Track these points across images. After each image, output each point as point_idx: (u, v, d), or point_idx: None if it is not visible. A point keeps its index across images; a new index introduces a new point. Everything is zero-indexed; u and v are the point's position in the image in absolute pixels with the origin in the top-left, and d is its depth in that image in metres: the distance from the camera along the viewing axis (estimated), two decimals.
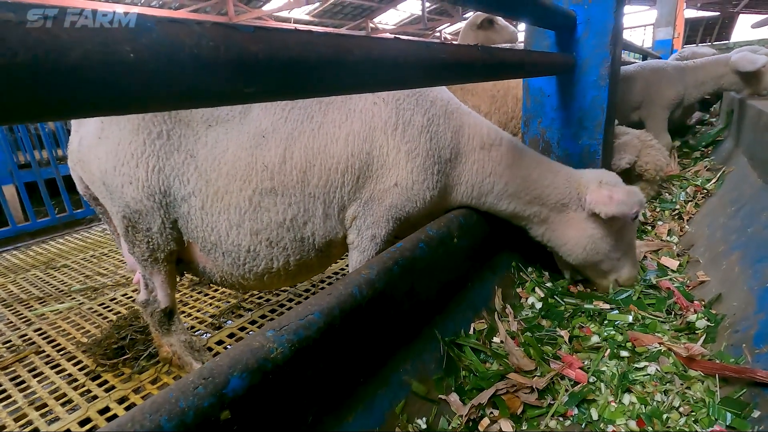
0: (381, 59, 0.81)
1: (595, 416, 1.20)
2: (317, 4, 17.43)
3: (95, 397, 1.76)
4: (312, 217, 1.52)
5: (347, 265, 2.71)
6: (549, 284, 1.86)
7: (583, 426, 1.18)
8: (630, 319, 1.56)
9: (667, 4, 9.19)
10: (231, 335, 2.17)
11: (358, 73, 0.77)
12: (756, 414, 1.06)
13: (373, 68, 0.80)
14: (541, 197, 1.67)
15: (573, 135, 2.12)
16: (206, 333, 2.20)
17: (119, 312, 2.45)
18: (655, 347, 1.41)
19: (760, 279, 1.47)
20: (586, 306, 1.69)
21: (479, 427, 1.17)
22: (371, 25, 20.38)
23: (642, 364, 1.36)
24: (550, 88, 2.14)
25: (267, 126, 1.50)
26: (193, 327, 2.26)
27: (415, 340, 1.34)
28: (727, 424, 1.08)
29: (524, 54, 1.64)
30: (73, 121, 1.63)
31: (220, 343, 2.11)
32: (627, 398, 1.24)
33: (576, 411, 1.22)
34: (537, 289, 1.81)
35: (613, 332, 1.52)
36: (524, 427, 1.19)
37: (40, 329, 2.34)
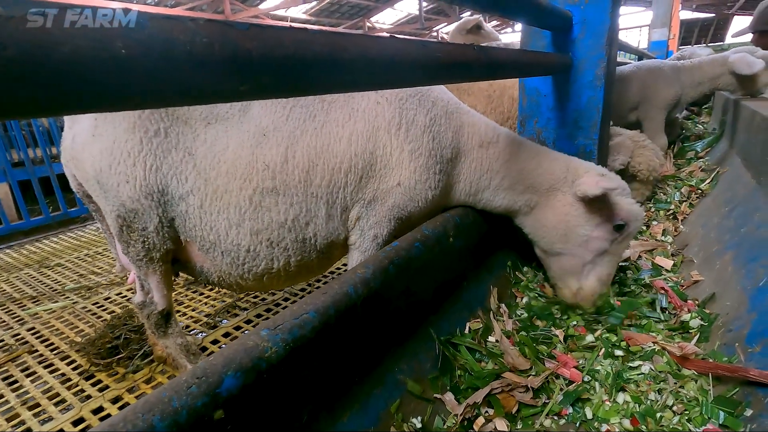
0: (377, 58, 0.81)
1: (589, 415, 1.20)
2: (314, 2, 17.40)
3: (89, 397, 1.75)
4: (314, 217, 1.51)
5: (344, 264, 2.70)
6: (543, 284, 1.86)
7: (577, 425, 1.19)
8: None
9: (662, 5, 9.24)
10: (226, 334, 2.16)
11: (353, 72, 0.76)
12: (748, 412, 1.07)
13: (368, 67, 0.80)
14: (534, 185, 1.66)
15: (569, 135, 2.13)
16: (201, 332, 2.19)
17: (113, 311, 2.43)
18: (649, 346, 1.42)
19: (753, 279, 1.49)
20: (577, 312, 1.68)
21: (474, 426, 1.17)
22: (368, 24, 20.37)
23: (636, 363, 1.37)
24: (546, 88, 2.15)
25: (268, 124, 1.48)
26: (188, 326, 2.25)
27: (411, 340, 1.34)
28: (720, 422, 1.09)
29: (520, 54, 1.64)
30: (66, 118, 1.61)
31: (215, 342, 2.10)
32: (621, 397, 1.24)
33: (570, 410, 1.22)
34: (531, 287, 1.82)
35: (607, 334, 1.53)
36: (519, 426, 1.20)
37: (33, 328, 2.32)
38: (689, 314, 1.55)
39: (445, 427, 1.17)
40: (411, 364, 1.29)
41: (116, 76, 0.41)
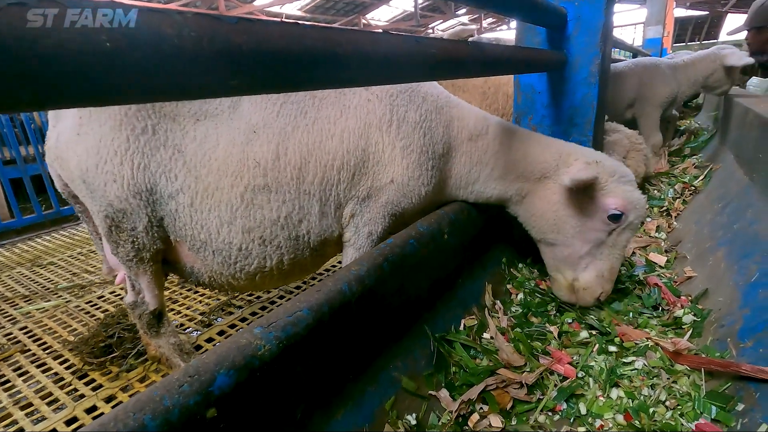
0: (370, 53, 0.81)
1: (583, 411, 1.21)
2: None
3: (82, 396, 1.74)
4: (307, 215, 1.49)
5: (338, 262, 2.70)
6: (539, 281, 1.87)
7: (571, 420, 1.19)
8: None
9: (656, 3, 9.27)
10: (221, 333, 2.15)
11: (347, 67, 0.76)
12: (740, 407, 1.08)
13: (362, 62, 0.79)
14: (524, 173, 1.64)
15: (563, 132, 2.13)
16: (196, 331, 2.18)
17: (107, 310, 2.42)
18: (643, 342, 1.43)
19: (745, 274, 1.50)
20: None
21: (469, 423, 1.18)
22: (363, 21, 20.30)
23: (630, 358, 1.37)
24: (541, 84, 2.15)
25: (258, 121, 1.47)
26: (182, 325, 2.24)
27: (405, 337, 1.34)
28: (712, 417, 1.10)
29: (515, 50, 1.64)
30: (50, 117, 1.58)
31: (209, 340, 2.09)
32: (615, 392, 1.25)
33: (565, 406, 1.23)
34: (526, 284, 1.82)
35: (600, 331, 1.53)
36: (513, 422, 1.20)
37: (25, 328, 2.30)
38: (682, 310, 1.56)
39: (440, 423, 1.17)
40: (406, 361, 1.29)
41: (101, 70, 0.41)
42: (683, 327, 1.51)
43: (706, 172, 2.86)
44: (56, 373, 1.90)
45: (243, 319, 2.27)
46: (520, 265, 1.96)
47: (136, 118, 1.42)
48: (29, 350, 2.09)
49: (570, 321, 1.60)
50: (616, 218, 1.51)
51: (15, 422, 1.63)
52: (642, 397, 1.22)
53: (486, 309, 1.63)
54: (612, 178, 1.53)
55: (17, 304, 2.58)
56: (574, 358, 1.40)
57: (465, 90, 2.87)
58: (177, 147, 1.44)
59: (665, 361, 1.33)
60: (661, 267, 1.98)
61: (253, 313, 2.33)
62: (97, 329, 2.08)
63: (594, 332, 1.53)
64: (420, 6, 19.22)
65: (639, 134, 2.87)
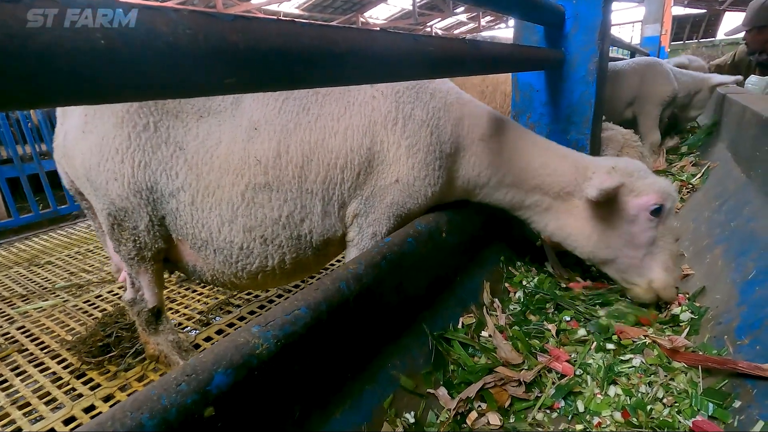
0: (367, 51, 0.80)
1: (581, 408, 1.21)
2: None
3: (80, 396, 1.74)
4: (309, 214, 1.47)
5: (337, 260, 2.69)
6: (536, 279, 1.87)
7: (569, 418, 1.20)
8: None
9: (654, 1, 9.28)
10: (219, 331, 2.15)
11: (343, 66, 0.76)
12: (737, 404, 1.08)
13: (359, 60, 0.79)
14: (542, 186, 1.58)
15: (561, 130, 2.13)
16: (194, 330, 2.17)
17: (105, 309, 2.41)
18: (641, 339, 1.43)
19: (743, 272, 1.50)
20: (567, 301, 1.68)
21: (467, 421, 1.18)
22: (362, 19, 20.26)
23: (627, 356, 1.37)
24: (539, 83, 2.15)
25: (259, 118, 1.44)
26: (180, 324, 2.23)
27: (404, 335, 1.34)
28: (710, 414, 1.10)
29: (513, 49, 1.63)
30: (58, 114, 1.59)
31: (208, 339, 2.09)
32: (612, 390, 1.25)
33: (563, 403, 1.23)
34: (524, 282, 1.82)
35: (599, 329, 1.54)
36: (512, 420, 1.20)
37: (23, 327, 2.29)
38: (680, 308, 1.57)
39: (439, 421, 1.17)
40: (404, 359, 1.29)
41: (95, 67, 0.40)
42: (680, 324, 1.51)
43: (703, 170, 2.86)
44: (54, 373, 1.90)
45: (241, 318, 2.27)
46: (519, 264, 1.96)
47: (137, 115, 1.41)
48: (27, 350, 2.09)
49: (568, 319, 1.60)
50: (657, 212, 1.49)
51: (13, 422, 1.63)
52: (639, 395, 1.22)
53: (484, 307, 1.63)
54: (633, 177, 1.51)
55: (15, 304, 2.57)
56: (572, 356, 1.40)
57: (463, 88, 2.86)
58: (178, 144, 1.43)
59: (663, 358, 1.34)
60: None
61: (252, 311, 2.33)
62: (95, 328, 2.08)
63: (591, 331, 1.53)
64: (418, 4, 19.18)
65: (633, 132, 2.89)
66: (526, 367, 1.34)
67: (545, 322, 1.58)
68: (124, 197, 1.43)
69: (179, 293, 2.58)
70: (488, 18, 26.18)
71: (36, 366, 1.96)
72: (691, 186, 2.77)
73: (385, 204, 1.49)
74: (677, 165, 3.30)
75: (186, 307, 2.41)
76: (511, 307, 1.69)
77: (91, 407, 1.68)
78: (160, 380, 0.76)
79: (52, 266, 3.16)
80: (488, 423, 1.17)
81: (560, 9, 1.95)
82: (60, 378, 1.86)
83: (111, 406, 1.68)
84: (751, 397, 1.06)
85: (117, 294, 2.62)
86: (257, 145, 1.42)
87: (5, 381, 1.87)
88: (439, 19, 23.49)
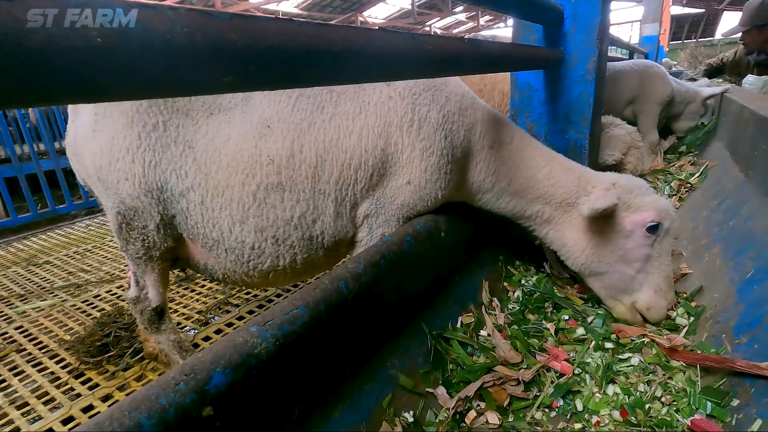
0: (365, 50, 0.80)
1: (580, 407, 1.21)
2: None
3: (78, 396, 1.74)
4: (322, 215, 1.45)
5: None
6: (534, 278, 1.87)
7: (568, 417, 1.20)
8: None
9: (653, 0, 9.28)
10: (218, 331, 2.15)
11: (341, 64, 0.75)
12: (735, 402, 1.08)
13: (356, 59, 0.79)
14: (545, 196, 1.58)
15: (560, 129, 2.13)
16: (193, 329, 2.17)
17: (103, 309, 2.41)
18: (639, 338, 1.44)
19: (741, 271, 1.50)
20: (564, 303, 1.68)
21: (466, 420, 1.18)
22: (360, 18, 20.25)
23: (626, 355, 1.38)
24: (538, 82, 2.15)
25: (271, 115, 1.41)
26: (179, 323, 2.23)
27: (403, 334, 1.34)
28: (708, 412, 1.11)
29: (512, 48, 1.63)
30: (69, 112, 1.58)
31: (207, 339, 2.09)
32: (611, 389, 1.25)
33: (561, 402, 1.23)
34: (523, 281, 1.82)
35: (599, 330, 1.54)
36: (510, 419, 1.20)
37: (21, 327, 2.29)
38: (675, 311, 1.56)
39: (437, 420, 1.17)
40: (403, 358, 1.29)
41: (92, 66, 0.40)
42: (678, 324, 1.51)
43: (702, 170, 2.87)
44: (52, 373, 1.90)
45: (240, 318, 2.27)
46: (517, 263, 1.96)
47: (147, 114, 1.40)
48: (25, 350, 2.09)
49: (567, 318, 1.60)
50: (654, 229, 1.47)
51: (11, 422, 1.63)
52: (638, 394, 1.23)
53: (483, 306, 1.63)
54: (632, 194, 1.50)
55: (13, 304, 2.57)
56: (571, 355, 1.40)
57: None
58: (188, 143, 1.41)
59: (661, 357, 1.34)
60: None
61: (251, 311, 2.32)
62: (93, 328, 2.07)
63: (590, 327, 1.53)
64: (417, 3, 19.18)
65: (637, 131, 2.90)
66: (524, 366, 1.34)
67: (544, 321, 1.58)
68: (134, 197, 1.42)
69: (178, 293, 2.58)
70: (487, 17, 26.18)
71: (34, 366, 1.95)
72: (689, 185, 2.78)
73: (395, 205, 1.49)
74: (676, 164, 3.31)
75: (185, 307, 2.41)
76: (510, 306, 1.69)
77: (90, 407, 1.68)
78: (159, 380, 0.76)
79: (51, 266, 3.15)
80: (487, 422, 1.17)
81: (559, 8, 1.95)
82: (58, 378, 1.86)
83: (109, 406, 1.68)
84: (749, 395, 1.06)
85: (116, 294, 2.62)
86: (270, 144, 1.39)
87: (3, 381, 1.86)
88: (438, 18, 23.48)
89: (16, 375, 1.90)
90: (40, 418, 1.63)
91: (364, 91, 1.46)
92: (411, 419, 1.14)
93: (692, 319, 1.50)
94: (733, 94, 3.25)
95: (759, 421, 0.97)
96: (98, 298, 2.59)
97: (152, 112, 1.40)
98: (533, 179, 1.59)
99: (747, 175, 2.10)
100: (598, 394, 1.24)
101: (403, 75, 1.06)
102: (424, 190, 1.49)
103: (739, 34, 4.18)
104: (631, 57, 6.46)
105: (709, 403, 1.12)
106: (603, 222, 1.50)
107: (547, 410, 1.23)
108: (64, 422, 1.61)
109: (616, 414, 1.17)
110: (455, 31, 27.14)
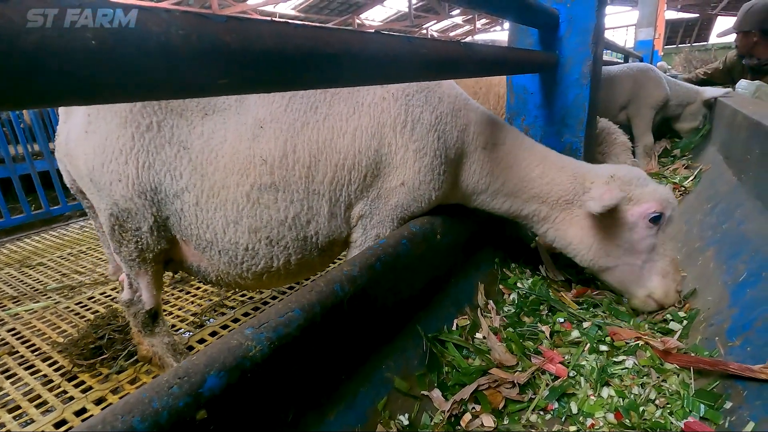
0: (361, 53, 0.80)
1: (574, 410, 1.21)
2: None
3: (71, 399, 1.72)
4: (316, 215, 1.45)
5: (338, 259, 2.69)
6: (530, 281, 1.88)
7: (562, 419, 1.20)
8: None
9: (648, 5, 9.35)
10: (213, 333, 2.14)
11: (337, 67, 0.76)
12: (728, 405, 1.09)
13: (352, 62, 0.79)
14: (540, 195, 1.59)
15: (556, 132, 2.14)
16: (188, 332, 2.16)
17: (97, 311, 2.39)
18: (633, 341, 1.44)
19: (734, 274, 1.51)
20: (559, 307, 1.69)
21: (461, 423, 1.18)
22: (357, 21, 20.29)
23: (620, 357, 1.38)
24: (534, 85, 2.16)
25: (265, 115, 1.41)
26: (174, 326, 2.22)
27: (398, 337, 1.34)
28: (701, 415, 1.11)
29: (508, 51, 1.64)
30: (60, 112, 1.57)
31: (202, 341, 2.08)
32: (605, 391, 1.26)
33: (556, 405, 1.24)
34: (519, 284, 1.83)
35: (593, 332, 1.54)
36: (506, 422, 1.20)
37: (13, 329, 2.27)
38: (669, 315, 1.57)
39: (433, 423, 1.17)
40: (398, 361, 1.29)
41: (86, 68, 0.40)
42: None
43: (695, 173, 2.89)
44: (45, 375, 1.88)
45: (235, 320, 2.26)
46: (513, 265, 1.97)
47: (141, 115, 1.39)
48: (17, 352, 2.07)
49: (562, 320, 1.61)
50: (656, 219, 1.49)
51: (2, 425, 1.61)
52: (632, 396, 1.23)
53: (479, 309, 1.63)
54: (631, 185, 1.51)
55: (5, 306, 2.54)
56: (566, 358, 1.41)
57: None
58: (182, 144, 1.41)
59: (655, 360, 1.34)
60: None
61: (246, 313, 2.32)
62: (86, 331, 2.06)
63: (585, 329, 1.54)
64: (414, 6, 19.25)
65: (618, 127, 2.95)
66: (520, 369, 1.35)
67: (539, 324, 1.58)
68: (128, 198, 1.42)
69: (173, 295, 2.57)
70: (484, 20, 26.31)
71: (27, 368, 1.93)
72: (683, 189, 2.80)
73: (389, 206, 1.49)
74: (670, 168, 3.33)
75: (179, 309, 2.39)
76: (506, 308, 1.69)
77: (83, 410, 1.67)
78: (152, 383, 0.75)
79: (44, 267, 3.13)
80: (482, 425, 1.17)
81: (554, 12, 1.96)
82: (51, 381, 1.84)
83: (103, 409, 1.66)
84: (741, 398, 1.07)
85: (109, 296, 2.60)
86: (263, 144, 1.39)
87: None
88: (435, 21, 23.59)
89: (8, 378, 1.88)
90: (32, 421, 1.62)
91: (358, 92, 1.47)
92: (406, 422, 1.14)
93: (686, 322, 1.50)
94: (727, 98, 3.29)
95: (751, 423, 0.97)
96: (92, 300, 2.57)
97: (146, 113, 1.40)
98: (527, 179, 1.60)
99: (740, 179, 2.12)
100: (592, 397, 1.25)
101: (398, 78, 1.06)
102: (417, 191, 1.49)
103: (733, 37, 4.24)
104: (626, 61, 6.51)
105: (702, 406, 1.12)
106: (606, 216, 1.50)
107: (542, 413, 1.23)
108: (57, 425, 1.60)
109: (611, 416, 1.17)
110: (452, 34, 27.25)
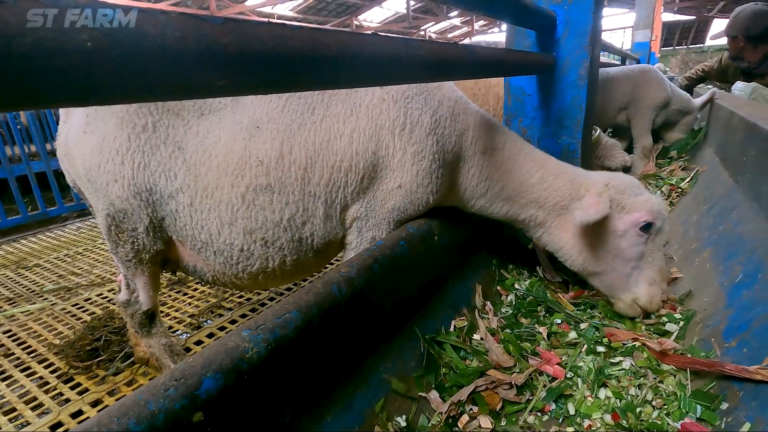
0: (358, 55, 0.80)
1: (572, 411, 1.21)
2: (301, 0, 17.29)
3: (67, 401, 1.71)
4: (311, 217, 1.44)
5: (336, 259, 2.69)
6: (528, 282, 1.88)
7: (560, 421, 1.20)
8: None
9: (645, 7, 9.41)
10: (210, 335, 2.13)
11: (334, 69, 0.76)
12: (724, 406, 1.09)
13: (350, 63, 0.79)
14: (538, 200, 1.59)
15: (553, 134, 2.15)
16: (185, 333, 2.15)
17: (93, 313, 2.38)
18: (630, 342, 1.44)
19: (730, 275, 1.52)
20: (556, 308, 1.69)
21: (459, 424, 1.18)
22: (356, 22, 20.31)
23: (617, 359, 1.39)
24: (531, 87, 2.16)
25: (261, 116, 1.41)
26: (171, 327, 2.21)
27: (396, 338, 1.33)
28: (698, 416, 1.11)
29: (505, 53, 1.65)
30: (61, 112, 1.58)
31: (199, 343, 2.07)
32: (603, 393, 1.26)
33: (553, 406, 1.24)
34: (516, 285, 1.83)
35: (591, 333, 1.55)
36: (503, 423, 1.20)
37: (9, 331, 2.26)
38: (666, 317, 1.57)
39: (430, 425, 1.17)
40: (396, 362, 1.29)
41: (82, 69, 0.40)
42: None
43: (692, 175, 2.90)
44: (41, 377, 1.87)
45: (233, 322, 2.25)
46: (510, 267, 1.97)
47: (137, 116, 1.39)
48: (13, 354, 2.06)
49: (559, 322, 1.61)
50: (647, 228, 1.50)
51: None
52: (629, 397, 1.23)
53: (476, 310, 1.64)
54: (624, 194, 1.52)
55: (1, 307, 2.53)
56: (563, 359, 1.41)
57: None
58: (177, 144, 1.40)
59: (652, 361, 1.35)
60: None
61: (243, 315, 2.31)
62: (83, 332, 2.05)
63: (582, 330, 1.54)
64: (412, 8, 19.28)
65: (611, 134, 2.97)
66: (517, 370, 1.35)
67: (536, 325, 1.59)
68: (124, 199, 1.42)
69: (170, 296, 2.56)
70: (481, 22, 26.38)
71: (23, 370, 1.92)
72: (680, 190, 2.81)
73: (386, 209, 1.48)
74: (667, 169, 3.35)
75: (177, 311, 2.38)
76: (503, 310, 1.69)
77: (79, 412, 1.66)
78: (148, 385, 0.75)
79: (41, 269, 3.11)
80: (480, 426, 1.17)
81: (552, 14, 1.97)
82: (47, 383, 1.83)
83: (99, 411, 1.66)
84: (738, 399, 1.07)
85: (106, 297, 2.59)
86: (259, 145, 1.39)
87: None
88: (433, 22, 23.63)
89: (3, 380, 1.87)
90: (27, 423, 1.61)
91: (356, 94, 1.46)
92: (404, 423, 1.14)
93: (682, 323, 1.51)
94: (723, 100, 3.30)
95: (748, 424, 0.98)
96: (89, 301, 2.56)
97: (142, 113, 1.40)
98: (526, 184, 1.60)
99: (736, 181, 2.13)
100: (589, 398, 1.25)
101: (396, 80, 1.06)
102: (415, 194, 1.49)
103: (726, 40, 4.28)
104: (623, 63, 6.53)
105: (699, 407, 1.13)
106: (597, 224, 1.51)
107: (539, 414, 1.23)
108: (53, 428, 1.59)
109: (608, 417, 1.18)
110: (450, 35, 27.31)
